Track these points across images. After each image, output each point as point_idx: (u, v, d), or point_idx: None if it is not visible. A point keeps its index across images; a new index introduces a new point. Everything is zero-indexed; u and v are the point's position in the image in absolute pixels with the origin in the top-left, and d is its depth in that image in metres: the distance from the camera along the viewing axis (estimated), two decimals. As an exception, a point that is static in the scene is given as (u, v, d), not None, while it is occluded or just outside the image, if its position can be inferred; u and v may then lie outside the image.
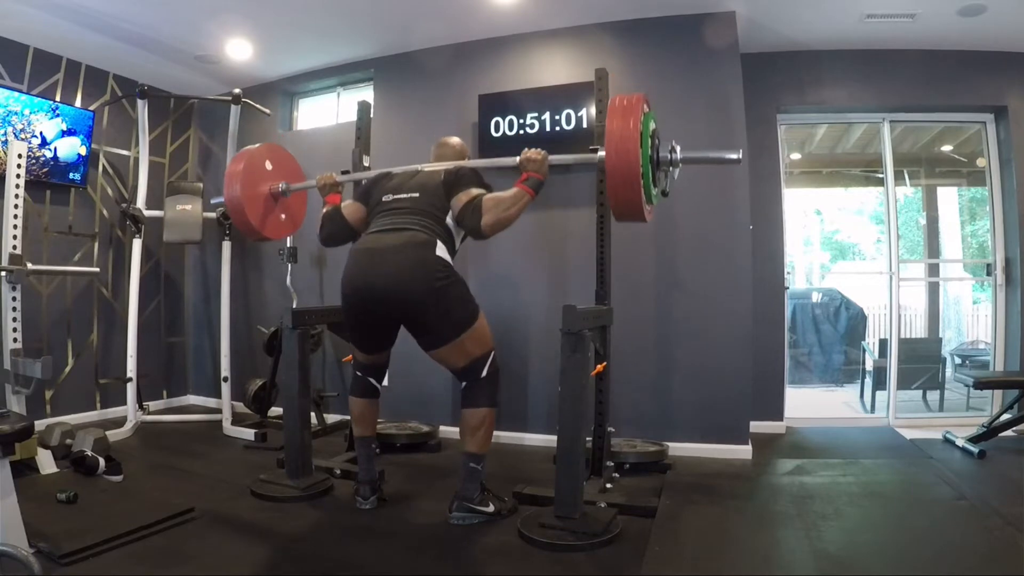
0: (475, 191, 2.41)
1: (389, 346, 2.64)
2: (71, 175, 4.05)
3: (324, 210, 2.73)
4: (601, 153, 2.23)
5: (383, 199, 2.55)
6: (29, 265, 3.11)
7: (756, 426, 3.64)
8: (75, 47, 4.00)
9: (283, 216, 3.10)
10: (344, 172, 2.97)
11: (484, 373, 2.47)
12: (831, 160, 5.81)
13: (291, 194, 3.04)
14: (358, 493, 2.62)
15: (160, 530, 2.27)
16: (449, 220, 2.46)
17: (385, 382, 2.74)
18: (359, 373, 2.68)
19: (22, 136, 3.68)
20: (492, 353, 2.51)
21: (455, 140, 2.80)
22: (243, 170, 2.88)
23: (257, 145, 3.09)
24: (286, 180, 3.01)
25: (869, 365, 5.10)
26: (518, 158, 2.41)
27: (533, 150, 2.40)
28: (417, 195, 2.48)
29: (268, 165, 3.01)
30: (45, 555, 1.97)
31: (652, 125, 2.28)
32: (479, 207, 2.36)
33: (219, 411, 4.13)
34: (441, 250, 2.38)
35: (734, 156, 2.31)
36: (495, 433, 3.73)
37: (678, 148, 2.32)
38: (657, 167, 2.31)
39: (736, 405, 3.45)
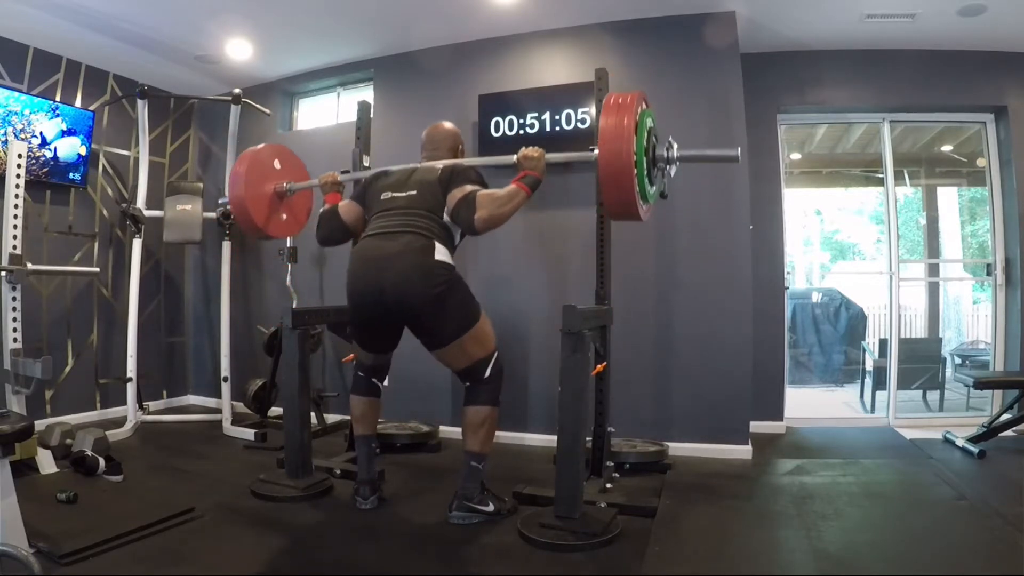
0: (470, 187, 2.40)
1: (393, 347, 2.64)
2: (71, 175, 4.05)
3: (321, 210, 2.73)
4: (597, 151, 2.22)
5: (381, 197, 2.54)
6: (29, 265, 3.10)
7: (756, 426, 3.64)
8: (75, 47, 4.00)
9: (287, 215, 3.10)
10: (344, 172, 2.97)
11: (487, 375, 2.47)
12: (831, 160, 5.81)
13: (295, 193, 3.04)
14: (358, 493, 2.62)
15: (160, 530, 2.27)
16: (446, 217, 2.44)
17: (386, 382, 2.74)
18: (361, 373, 2.68)
19: (22, 136, 3.68)
20: (495, 355, 2.50)
21: (448, 124, 2.77)
22: (247, 170, 2.89)
23: (262, 145, 3.09)
24: (290, 180, 3.02)
25: (869, 365, 5.10)
26: (515, 156, 2.41)
27: (531, 148, 2.40)
28: (415, 193, 2.48)
29: (275, 165, 3.01)
30: (45, 555, 1.97)
31: (649, 123, 2.26)
32: (473, 202, 2.34)
33: (219, 411, 4.13)
34: (440, 252, 2.36)
35: (733, 153, 2.30)
36: (495, 433, 3.79)
37: (675, 146, 2.31)
38: (654, 165, 2.29)
39: (736, 405, 3.45)
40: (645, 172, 2.22)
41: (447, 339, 2.40)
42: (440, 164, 2.55)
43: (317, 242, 2.77)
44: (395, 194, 2.52)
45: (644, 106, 2.25)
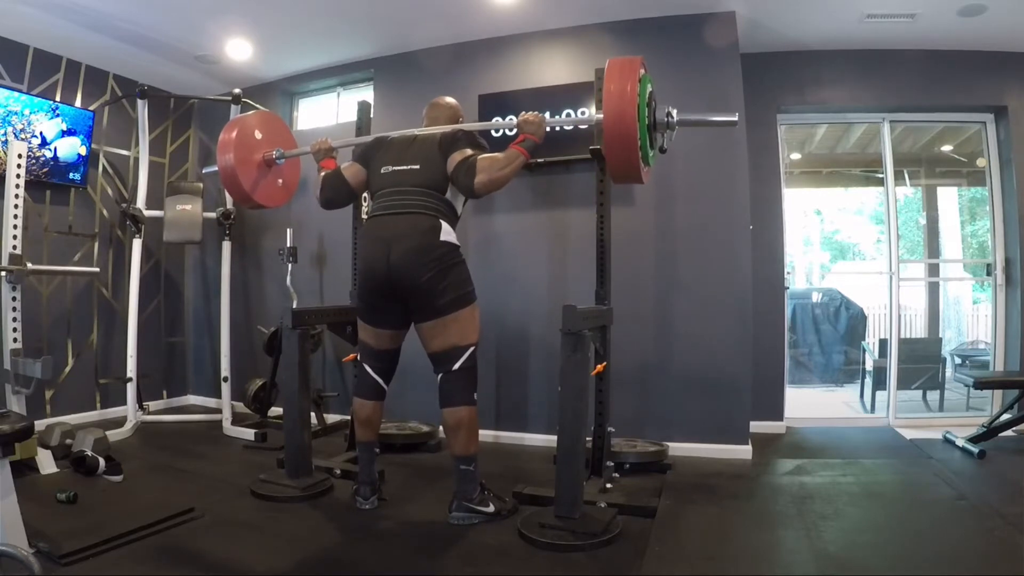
0: (470, 151, 2.43)
1: (393, 326, 2.56)
2: (71, 175, 4.05)
3: (323, 174, 2.71)
4: (599, 115, 2.24)
5: (382, 171, 2.55)
6: (29, 265, 3.10)
7: (756, 426, 3.64)
8: (75, 47, 4.00)
9: (278, 182, 3.08)
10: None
11: (456, 366, 2.45)
12: (831, 160, 5.81)
13: (285, 161, 3.03)
14: (358, 493, 2.62)
15: (160, 530, 2.27)
16: (449, 194, 2.48)
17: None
18: (367, 367, 2.63)
19: (22, 136, 3.68)
20: (472, 349, 2.48)
21: (448, 99, 2.78)
22: (236, 138, 2.86)
23: (250, 113, 3.07)
24: (280, 148, 3.00)
25: (869, 365, 5.09)
26: (516, 119, 2.43)
27: (531, 112, 2.42)
28: (418, 167, 2.49)
29: (259, 134, 2.98)
30: (45, 555, 1.97)
31: (649, 88, 2.29)
32: (473, 166, 2.38)
33: (219, 411, 4.13)
34: (446, 232, 2.41)
35: (731, 118, 2.34)
36: (495, 433, 3.80)
37: (674, 112, 2.34)
38: (654, 129, 2.33)
39: (736, 405, 3.45)
40: (647, 135, 2.26)
41: (438, 311, 2.41)
42: (439, 130, 2.56)
43: (320, 205, 2.74)
44: (396, 168, 2.52)
45: (643, 71, 2.28)
